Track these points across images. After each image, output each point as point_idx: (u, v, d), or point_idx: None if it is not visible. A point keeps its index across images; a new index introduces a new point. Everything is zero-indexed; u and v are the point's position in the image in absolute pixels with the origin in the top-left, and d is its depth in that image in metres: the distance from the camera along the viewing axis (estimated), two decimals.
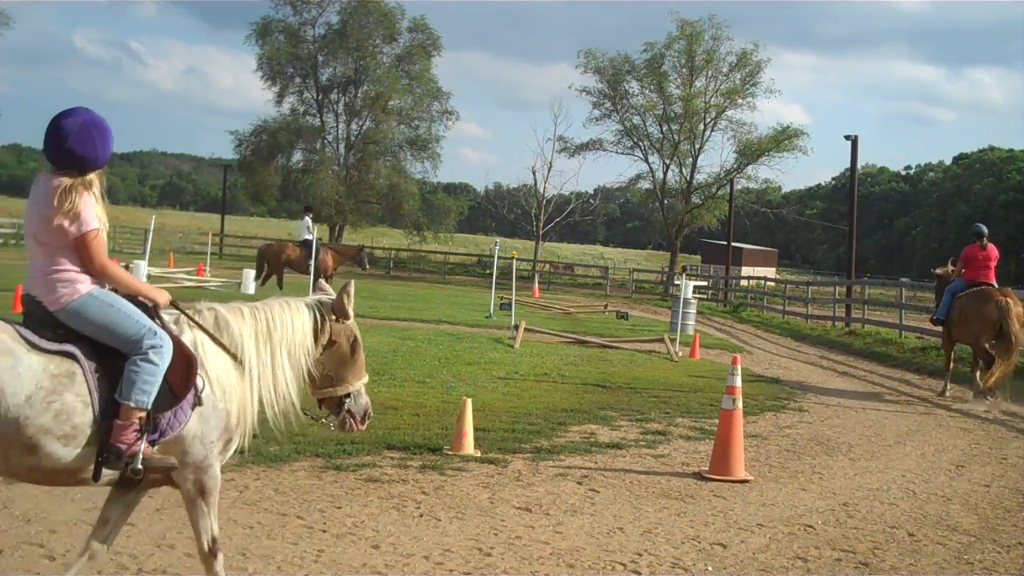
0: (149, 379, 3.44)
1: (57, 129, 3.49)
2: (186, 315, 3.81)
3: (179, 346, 3.60)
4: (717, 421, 7.40)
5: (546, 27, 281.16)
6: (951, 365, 12.92)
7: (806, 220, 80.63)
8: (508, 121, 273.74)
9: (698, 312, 23.48)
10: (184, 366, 3.55)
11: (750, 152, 44.51)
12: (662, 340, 16.37)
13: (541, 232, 49.07)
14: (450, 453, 7.03)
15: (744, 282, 42.61)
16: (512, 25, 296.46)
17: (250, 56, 49.90)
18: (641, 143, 46.72)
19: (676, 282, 31.16)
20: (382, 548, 4.91)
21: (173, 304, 3.80)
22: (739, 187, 46.26)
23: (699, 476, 7.02)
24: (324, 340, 4.03)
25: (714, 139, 48.07)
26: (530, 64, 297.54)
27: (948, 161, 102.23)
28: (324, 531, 5.12)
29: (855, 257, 28.23)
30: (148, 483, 3.70)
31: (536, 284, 37.33)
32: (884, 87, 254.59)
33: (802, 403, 11.22)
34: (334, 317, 4.09)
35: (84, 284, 3.52)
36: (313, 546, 4.86)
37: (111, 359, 3.49)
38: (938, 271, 14.00)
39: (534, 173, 48.67)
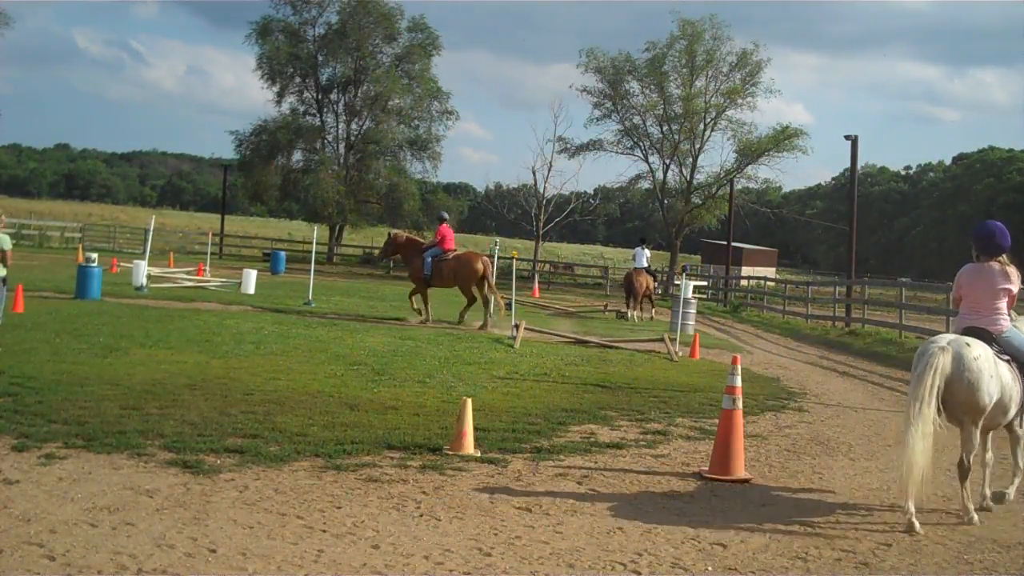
0: None
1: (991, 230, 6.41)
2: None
3: None
4: (717, 421, 7.40)
5: (548, 27, 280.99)
6: (427, 302, 18.13)
7: (806, 220, 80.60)
8: (509, 121, 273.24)
9: (698, 312, 23.49)
10: None
11: (750, 152, 44.51)
12: (662, 340, 16.37)
13: (541, 232, 49.08)
14: (450, 453, 7.02)
15: (744, 282, 42.61)
16: (514, 25, 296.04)
17: (250, 56, 49.94)
18: (641, 143, 46.75)
19: (676, 282, 31.19)
20: (382, 548, 4.91)
21: None
22: (739, 187, 46.30)
23: (699, 476, 7.01)
24: None
25: (714, 139, 48.19)
26: (532, 64, 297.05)
27: (948, 161, 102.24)
28: (324, 531, 5.11)
29: (855, 257, 28.25)
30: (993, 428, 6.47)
31: (536, 284, 37.34)
32: (886, 87, 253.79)
33: (802, 403, 11.22)
34: None
35: (1006, 323, 6.34)
36: (313, 546, 4.86)
37: (1017, 364, 6.23)
38: (392, 232, 20.42)
39: (534, 173, 48.77)
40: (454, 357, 12.75)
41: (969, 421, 6.04)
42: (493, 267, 18.60)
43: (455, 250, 18.63)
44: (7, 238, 11.14)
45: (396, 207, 47.32)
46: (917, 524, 5.80)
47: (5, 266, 11.09)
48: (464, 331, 16.85)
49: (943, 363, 5.88)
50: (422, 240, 19.34)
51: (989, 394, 5.97)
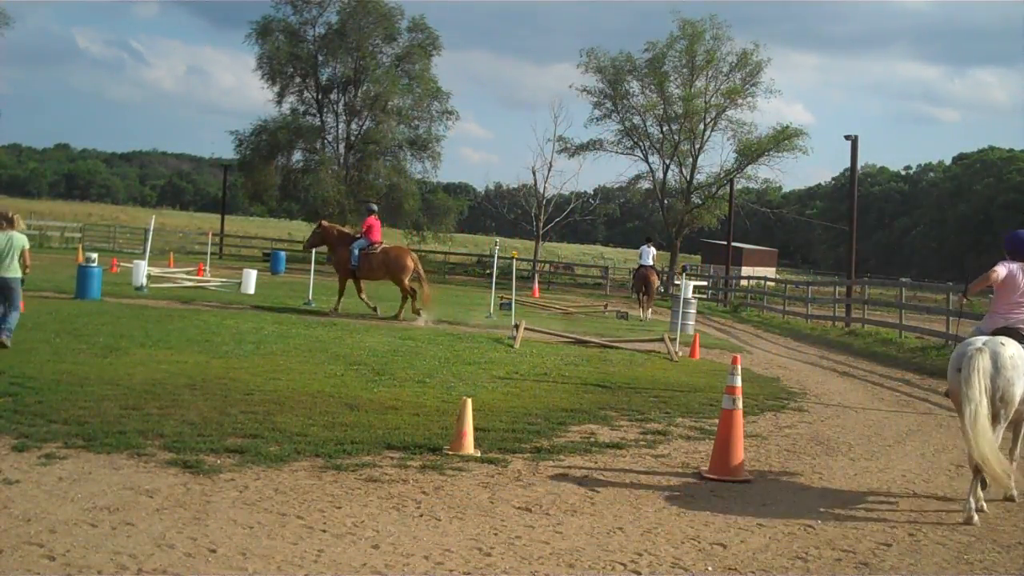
0: None
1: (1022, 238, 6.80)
2: None
3: None
4: (717, 421, 7.40)
5: (548, 27, 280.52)
6: (363, 294, 18.61)
7: (806, 220, 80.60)
8: (509, 121, 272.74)
9: (698, 312, 23.49)
10: None
11: (750, 152, 44.52)
12: (662, 340, 16.37)
13: (541, 232, 49.09)
14: (450, 453, 7.02)
15: (744, 282, 42.60)
16: (514, 25, 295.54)
17: (250, 56, 49.96)
18: (641, 143, 46.76)
19: (676, 282, 31.20)
20: (382, 548, 4.91)
21: None
22: (739, 187, 46.32)
23: (699, 476, 7.01)
24: None
25: (714, 139, 48.19)
26: (532, 64, 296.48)
27: (948, 161, 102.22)
28: (324, 531, 5.11)
29: (855, 257, 28.25)
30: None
31: (536, 284, 37.33)
32: (886, 87, 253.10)
33: (802, 403, 11.22)
34: None
35: None
36: (313, 546, 4.86)
37: None
38: (324, 222, 20.47)
39: (534, 173, 48.81)
40: (454, 357, 12.75)
41: (1002, 416, 6.37)
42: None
43: (381, 243, 18.66)
44: (25, 239, 11.19)
45: (396, 207, 47.28)
46: (977, 517, 6.16)
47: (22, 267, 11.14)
48: (464, 331, 16.86)
49: (984, 363, 6.27)
50: (351, 232, 19.51)
51: (1022, 390, 6.34)
